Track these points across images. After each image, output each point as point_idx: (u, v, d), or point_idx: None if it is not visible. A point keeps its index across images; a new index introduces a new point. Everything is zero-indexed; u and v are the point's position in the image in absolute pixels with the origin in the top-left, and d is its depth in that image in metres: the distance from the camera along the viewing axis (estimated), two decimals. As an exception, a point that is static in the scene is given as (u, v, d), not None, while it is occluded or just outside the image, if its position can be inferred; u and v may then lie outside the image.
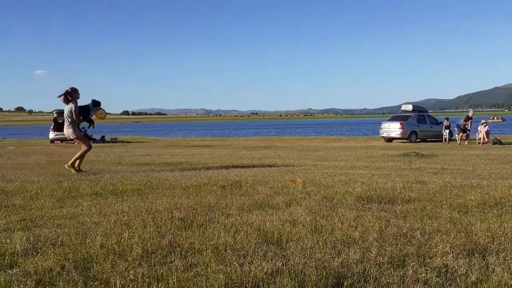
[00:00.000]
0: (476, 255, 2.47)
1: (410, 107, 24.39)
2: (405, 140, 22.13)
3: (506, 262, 2.35)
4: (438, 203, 4.05)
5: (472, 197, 4.10)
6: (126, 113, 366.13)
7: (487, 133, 20.14)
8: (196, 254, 2.53)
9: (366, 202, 4.16)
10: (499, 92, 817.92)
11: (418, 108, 25.20)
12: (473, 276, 2.15)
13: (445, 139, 22.04)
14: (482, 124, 20.34)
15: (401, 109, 25.11)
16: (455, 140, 21.37)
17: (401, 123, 22.20)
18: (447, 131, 22.30)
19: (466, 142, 20.41)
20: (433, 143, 21.88)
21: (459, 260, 2.36)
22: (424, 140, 22.87)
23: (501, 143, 19.33)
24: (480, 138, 20.09)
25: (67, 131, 7.32)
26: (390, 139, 23.02)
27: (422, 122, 23.19)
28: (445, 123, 22.56)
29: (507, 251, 2.53)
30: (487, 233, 2.91)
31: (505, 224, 3.13)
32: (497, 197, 4.19)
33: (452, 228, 3.07)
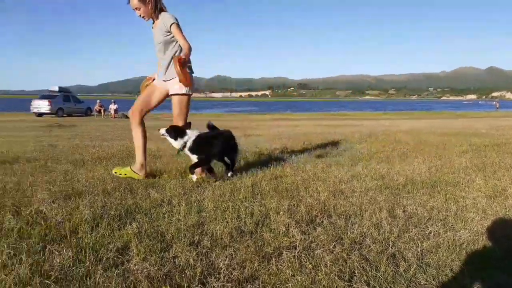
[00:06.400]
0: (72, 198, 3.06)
1: (56, 88, 31.41)
2: (54, 115, 28.60)
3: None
4: (57, 161, 5.11)
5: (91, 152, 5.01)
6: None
7: (116, 110, 29.44)
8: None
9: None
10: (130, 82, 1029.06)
11: (64, 90, 32.10)
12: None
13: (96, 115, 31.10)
14: (113, 103, 29.81)
15: (49, 89, 32.19)
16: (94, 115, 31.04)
17: (49, 101, 29.34)
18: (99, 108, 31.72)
19: (102, 117, 29.41)
20: (78, 117, 29.21)
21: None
22: (70, 115, 30.13)
23: (127, 117, 25.25)
24: (111, 113, 29.30)
25: None
26: (40, 114, 29.12)
27: (68, 101, 31.01)
28: (98, 102, 32.14)
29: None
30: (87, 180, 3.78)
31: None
32: (112, 152, 5.83)
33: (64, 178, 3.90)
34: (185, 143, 3.83)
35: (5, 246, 2.05)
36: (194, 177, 3.79)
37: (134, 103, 4.04)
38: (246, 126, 16.12)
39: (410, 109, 61.35)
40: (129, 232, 2.30)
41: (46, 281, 1.71)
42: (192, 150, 3.84)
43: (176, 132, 3.84)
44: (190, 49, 3.80)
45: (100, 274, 1.78)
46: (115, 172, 4.00)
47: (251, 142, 7.95)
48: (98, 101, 33.39)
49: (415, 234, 2.37)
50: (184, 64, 3.73)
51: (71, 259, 1.93)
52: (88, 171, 4.33)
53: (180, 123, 3.98)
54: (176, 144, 3.84)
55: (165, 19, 3.84)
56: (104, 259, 1.96)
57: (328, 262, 1.95)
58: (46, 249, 2.03)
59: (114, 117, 28.99)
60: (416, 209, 2.87)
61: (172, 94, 3.97)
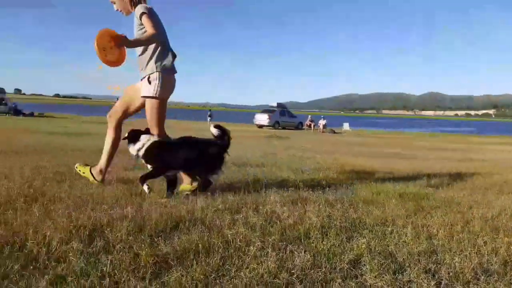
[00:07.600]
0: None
1: (275, 104, 37.28)
2: (271, 127, 33.58)
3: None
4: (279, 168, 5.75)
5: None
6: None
7: (325, 125, 33.54)
8: None
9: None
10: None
11: (281, 105, 37.34)
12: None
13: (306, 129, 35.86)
14: (322, 118, 34.55)
15: (269, 105, 38.55)
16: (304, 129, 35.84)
17: (268, 115, 34.93)
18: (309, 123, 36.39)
19: (312, 131, 33.68)
20: (291, 130, 33.50)
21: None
22: (284, 128, 34.68)
23: (334, 132, 31.87)
24: (320, 128, 33.45)
25: None
26: (261, 126, 34.17)
27: (283, 115, 36.34)
28: (309, 118, 37.43)
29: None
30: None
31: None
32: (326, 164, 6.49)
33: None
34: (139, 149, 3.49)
35: (256, 238, 2.37)
36: (146, 188, 3.41)
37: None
38: (465, 149, 14.36)
39: None
40: (362, 246, 2.31)
41: (292, 278, 1.88)
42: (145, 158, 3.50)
43: (133, 136, 3.52)
44: (153, 35, 3.31)
45: (339, 283, 1.84)
46: (76, 167, 3.92)
47: (474, 167, 7.02)
48: (309, 116, 37.41)
49: None
50: (121, 42, 3.21)
51: (309, 262, 2.07)
52: (308, 180, 4.66)
53: (154, 130, 3.58)
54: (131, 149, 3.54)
55: (136, 11, 3.42)
56: (339, 268, 2.03)
57: None
58: (288, 248, 2.24)
59: (323, 132, 31.09)
60: None
61: (142, 96, 3.57)
